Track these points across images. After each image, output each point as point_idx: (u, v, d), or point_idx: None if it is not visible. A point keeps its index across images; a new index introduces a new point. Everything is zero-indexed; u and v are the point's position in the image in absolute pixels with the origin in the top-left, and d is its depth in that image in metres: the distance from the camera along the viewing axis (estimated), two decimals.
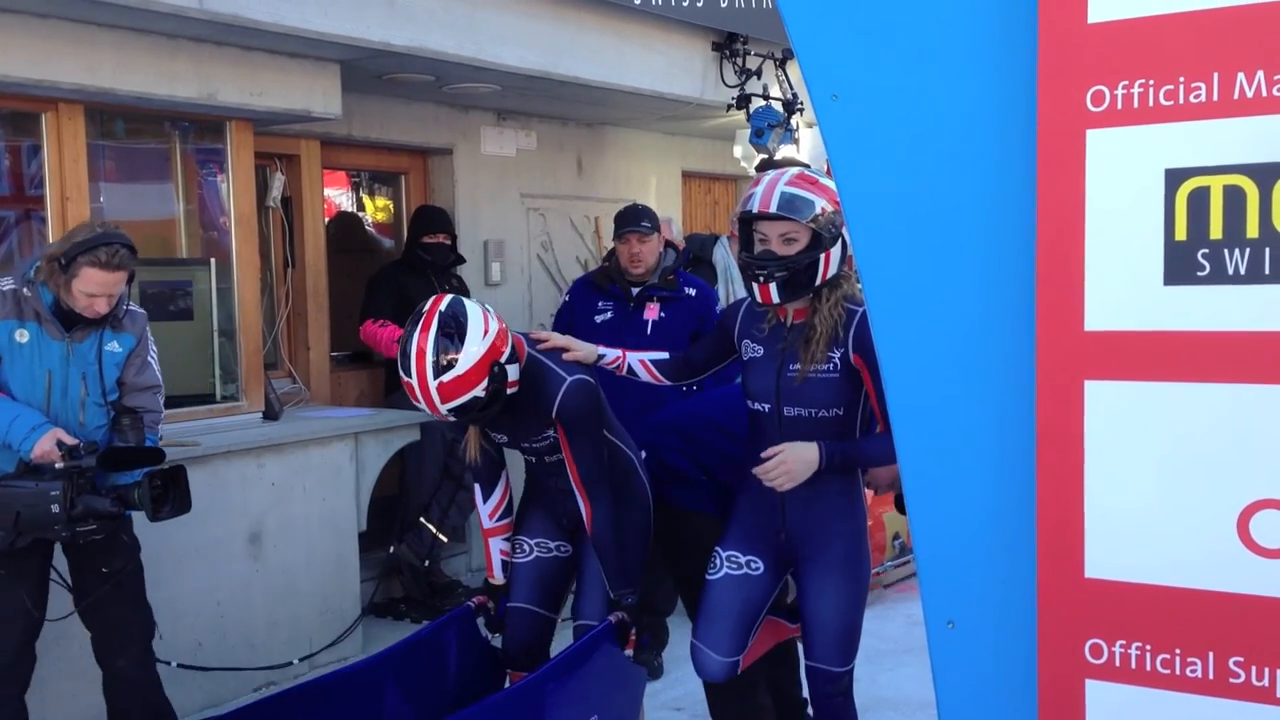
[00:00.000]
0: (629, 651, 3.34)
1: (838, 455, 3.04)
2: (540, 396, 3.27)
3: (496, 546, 3.65)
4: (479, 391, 3.11)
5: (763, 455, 3.06)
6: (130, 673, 3.69)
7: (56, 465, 3.33)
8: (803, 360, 3.06)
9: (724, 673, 3.27)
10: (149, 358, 3.75)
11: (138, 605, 3.74)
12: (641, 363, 3.51)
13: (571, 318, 5.06)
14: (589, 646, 3.27)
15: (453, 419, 3.22)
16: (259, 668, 4.75)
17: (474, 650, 3.57)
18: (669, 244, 5.27)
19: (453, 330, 3.09)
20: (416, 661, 3.47)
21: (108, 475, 3.47)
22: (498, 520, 3.64)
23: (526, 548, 3.62)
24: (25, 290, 3.51)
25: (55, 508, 3.30)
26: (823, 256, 3.02)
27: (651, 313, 5.01)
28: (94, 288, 3.47)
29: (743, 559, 3.24)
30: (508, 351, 3.19)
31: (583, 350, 3.40)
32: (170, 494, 3.49)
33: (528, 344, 3.37)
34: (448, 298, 3.21)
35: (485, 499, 3.63)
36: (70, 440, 3.39)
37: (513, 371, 3.19)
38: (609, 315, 4.99)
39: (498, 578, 3.63)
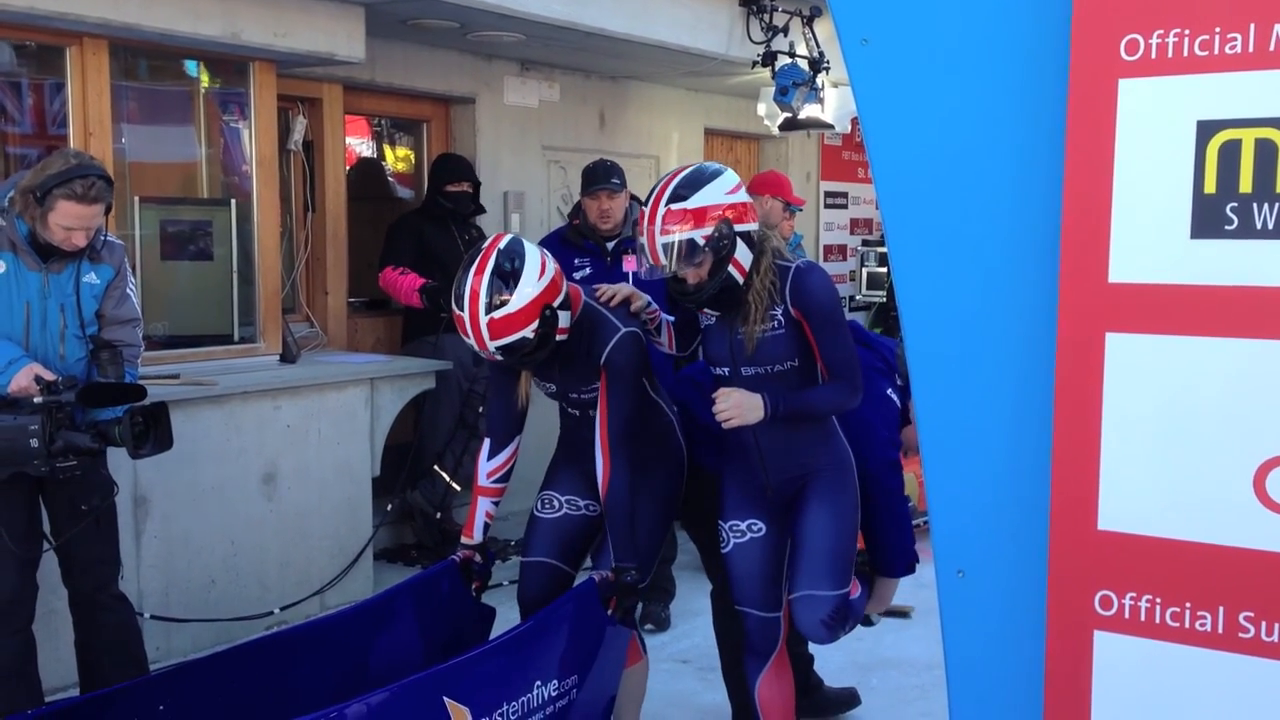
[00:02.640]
0: (611, 611, 3.33)
1: (782, 406, 3.11)
2: (593, 343, 3.28)
3: (484, 507, 3.58)
4: (528, 332, 3.12)
5: (713, 396, 3.15)
6: (103, 598, 3.69)
7: (35, 400, 3.28)
8: (746, 333, 3.13)
9: (767, 628, 3.34)
10: (128, 290, 3.68)
11: (109, 542, 3.70)
12: (668, 325, 3.50)
13: None
14: (569, 605, 3.26)
15: (500, 358, 3.20)
16: (227, 619, 4.75)
17: (457, 605, 3.56)
18: (633, 197, 5.23)
19: (509, 269, 3.12)
20: (396, 614, 3.47)
21: (87, 411, 3.41)
22: (494, 481, 3.57)
23: (556, 503, 3.59)
24: (0, 220, 3.43)
25: (34, 442, 3.24)
26: (731, 266, 3.06)
27: (630, 264, 4.95)
28: (71, 221, 3.38)
29: (743, 525, 3.31)
30: (561, 297, 3.20)
31: (641, 300, 3.41)
32: (151, 431, 3.43)
33: (585, 294, 3.36)
34: (507, 236, 3.24)
35: (490, 456, 3.56)
36: (48, 375, 3.33)
37: (564, 318, 3.21)
38: (588, 270, 4.95)
39: (475, 538, 3.56)
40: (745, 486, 3.32)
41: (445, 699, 2.87)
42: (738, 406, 3.10)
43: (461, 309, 3.13)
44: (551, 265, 3.22)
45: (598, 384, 3.35)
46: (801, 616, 3.24)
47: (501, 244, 3.19)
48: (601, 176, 4.99)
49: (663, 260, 3.04)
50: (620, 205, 5.01)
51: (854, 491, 3.30)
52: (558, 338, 3.21)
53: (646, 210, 3.08)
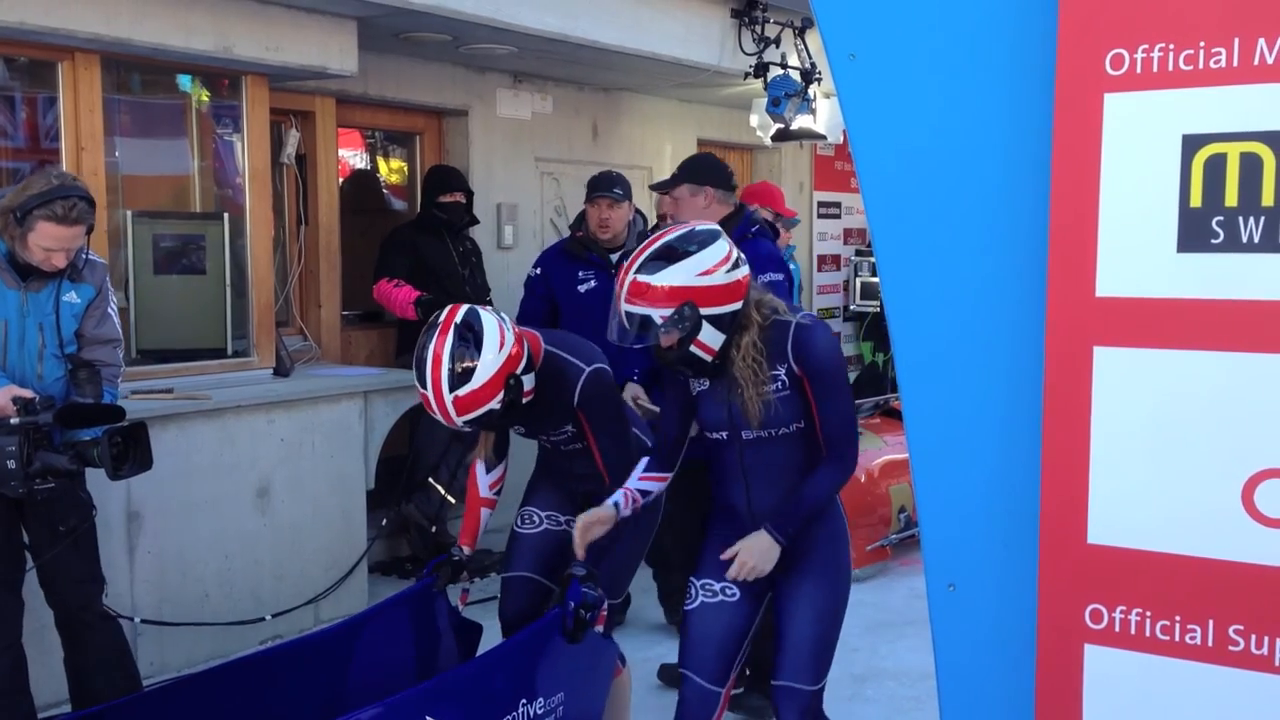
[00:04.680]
0: (599, 627, 3.30)
1: (791, 528, 2.98)
2: (562, 389, 3.26)
3: (485, 517, 3.60)
4: (494, 404, 3.10)
5: (722, 557, 3.03)
6: (87, 618, 3.67)
7: (12, 421, 3.25)
8: (745, 404, 2.97)
9: (705, 701, 3.12)
10: (109, 309, 3.66)
11: (90, 562, 3.67)
12: (629, 492, 3.20)
13: (548, 289, 4.97)
14: (554, 623, 3.22)
15: (468, 429, 3.20)
16: (222, 623, 4.73)
17: (442, 621, 3.56)
18: (637, 211, 5.21)
19: (469, 342, 3.07)
20: (383, 631, 3.47)
21: (65, 431, 3.38)
22: (495, 492, 3.61)
23: (536, 519, 3.61)
24: None
25: (12, 463, 3.21)
26: (695, 347, 2.93)
27: None
28: (50, 242, 3.36)
29: (716, 586, 3.11)
30: (524, 362, 3.17)
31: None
32: (131, 452, 3.39)
33: (544, 341, 3.33)
34: (463, 308, 3.16)
35: (488, 470, 3.60)
36: (27, 394, 3.31)
37: (528, 381, 3.19)
38: (593, 284, 4.89)
39: (476, 546, 3.58)
40: (729, 547, 3.10)
41: (428, 718, 2.85)
42: (754, 568, 2.97)
43: (425, 386, 3.08)
44: (510, 333, 3.15)
45: (568, 427, 3.37)
46: (780, 705, 3.08)
47: (458, 317, 3.11)
48: (604, 185, 4.97)
49: (626, 326, 2.95)
50: (621, 217, 4.97)
51: (846, 568, 3.13)
52: (525, 400, 3.20)
53: (621, 271, 2.98)
